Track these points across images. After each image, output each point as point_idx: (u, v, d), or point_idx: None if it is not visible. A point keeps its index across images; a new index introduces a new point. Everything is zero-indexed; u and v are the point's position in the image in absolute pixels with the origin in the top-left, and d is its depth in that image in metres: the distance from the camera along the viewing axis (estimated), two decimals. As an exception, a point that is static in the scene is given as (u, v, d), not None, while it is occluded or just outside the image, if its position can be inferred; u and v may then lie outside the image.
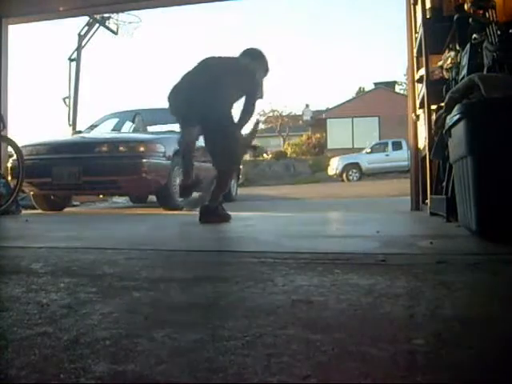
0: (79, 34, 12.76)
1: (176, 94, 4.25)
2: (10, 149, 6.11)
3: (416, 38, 4.85)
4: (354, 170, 21.80)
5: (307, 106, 36.16)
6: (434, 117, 4.01)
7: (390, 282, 1.58)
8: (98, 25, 12.93)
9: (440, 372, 0.87)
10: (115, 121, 8.07)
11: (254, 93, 4.24)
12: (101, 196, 8.62)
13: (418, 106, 4.97)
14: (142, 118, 7.48)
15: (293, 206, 7.29)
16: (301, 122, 34.77)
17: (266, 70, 4.45)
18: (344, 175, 21.46)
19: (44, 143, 6.42)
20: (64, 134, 10.89)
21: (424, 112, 4.48)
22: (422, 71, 4.49)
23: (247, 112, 4.24)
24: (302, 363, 0.91)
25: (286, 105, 50.87)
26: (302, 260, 2.06)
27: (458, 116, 2.54)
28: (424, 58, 4.36)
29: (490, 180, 2.39)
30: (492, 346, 1.01)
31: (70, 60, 12.74)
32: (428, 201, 4.41)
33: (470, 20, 3.24)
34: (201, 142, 7.37)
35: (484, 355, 0.95)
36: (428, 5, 4.29)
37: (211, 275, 1.76)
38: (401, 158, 19.44)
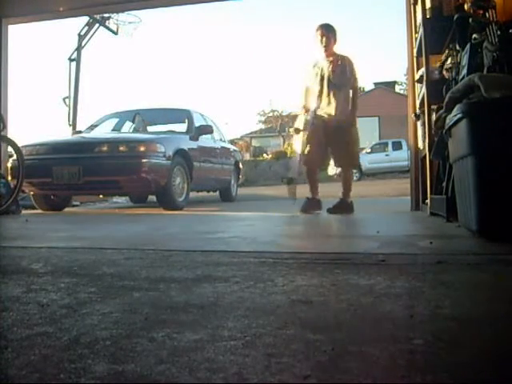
0: (79, 34, 12.77)
1: None
2: (10, 149, 6.11)
3: (416, 38, 4.85)
4: (354, 170, 21.66)
5: (307, 105, 36.10)
6: (433, 117, 4.01)
7: (390, 282, 1.58)
8: (98, 25, 12.94)
9: (440, 372, 0.87)
10: (115, 121, 8.07)
11: None
12: (101, 196, 8.62)
13: (417, 106, 4.97)
14: (142, 117, 7.48)
15: (293, 205, 7.28)
16: (301, 121, 34.71)
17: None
18: (344, 175, 21.43)
19: (44, 143, 6.42)
20: (64, 133, 10.90)
21: (424, 112, 4.48)
22: (422, 71, 4.49)
23: None
24: (302, 363, 0.91)
25: (286, 105, 50.91)
26: (302, 260, 2.06)
27: (458, 116, 2.54)
28: (424, 58, 4.36)
29: (490, 180, 2.39)
30: (492, 345, 1.01)
31: (70, 60, 12.75)
32: (428, 201, 4.41)
33: (470, 20, 3.24)
34: (202, 142, 7.45)
35: (484, 355, 0.95)
36: (428, 5, 4.29)
37: (211, 275, 1.76)
38: (401, 157, 19.44)
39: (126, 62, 65.89)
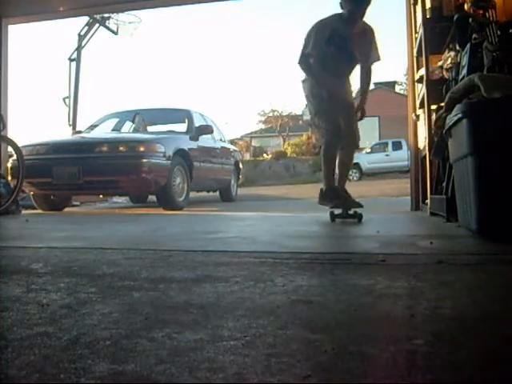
0: (79, 34, 12.80)
1: None
2: (10, 149, 6.11)
3: (416, 38, 4.85)
4: (354, 170, 21.74)
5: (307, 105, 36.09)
6: (433, 117, 4.01)
7: (390, 282, 1.58)
8: (97, 25, 12.96)
9: (440, 372, 0.87)
10: (115, 121, 8.07)
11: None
12: (101, 196, 8.62)
13: (417, 105, 4.98)
14: (142, 117, 7.48)
15: (293, 206, 7.29)
16: (301, 122, 34.73)
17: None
18: (344, 175, 21.43)
19: (44, 143, 6.41)
20: (64, 133, 10.91)
21: (424, 112, 4.48)
22: (422, 71, 4.50)
23: None
24: (302, 363, 0.91)
25: (286, 105, 51.00)
26: (302, 260, 2.06)
27: (458, 116, 2.54)
28: (424, 58, 4.36)
29: (490, 180, 2.39)
30: (492, 345, 1.01)
31: (70, 60, 12.76)
32: (428, 201, 4.41)
33: (470, 20, 3.24)
34: (202, 142, 7.46)
35: (484, 355, 0.95)
36: (428, 5, 4.29)
37: (211, 275, 1.76)
38: (401, 157, 19.46)
39: (126, 61, 65.89)
